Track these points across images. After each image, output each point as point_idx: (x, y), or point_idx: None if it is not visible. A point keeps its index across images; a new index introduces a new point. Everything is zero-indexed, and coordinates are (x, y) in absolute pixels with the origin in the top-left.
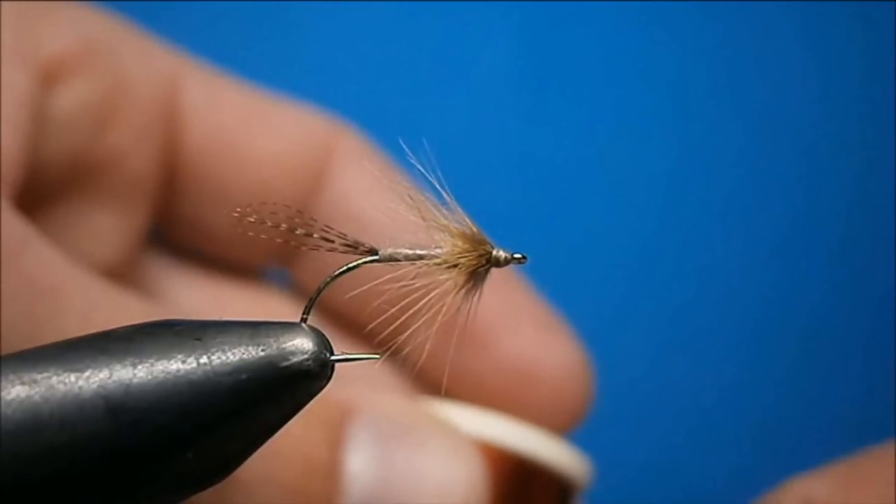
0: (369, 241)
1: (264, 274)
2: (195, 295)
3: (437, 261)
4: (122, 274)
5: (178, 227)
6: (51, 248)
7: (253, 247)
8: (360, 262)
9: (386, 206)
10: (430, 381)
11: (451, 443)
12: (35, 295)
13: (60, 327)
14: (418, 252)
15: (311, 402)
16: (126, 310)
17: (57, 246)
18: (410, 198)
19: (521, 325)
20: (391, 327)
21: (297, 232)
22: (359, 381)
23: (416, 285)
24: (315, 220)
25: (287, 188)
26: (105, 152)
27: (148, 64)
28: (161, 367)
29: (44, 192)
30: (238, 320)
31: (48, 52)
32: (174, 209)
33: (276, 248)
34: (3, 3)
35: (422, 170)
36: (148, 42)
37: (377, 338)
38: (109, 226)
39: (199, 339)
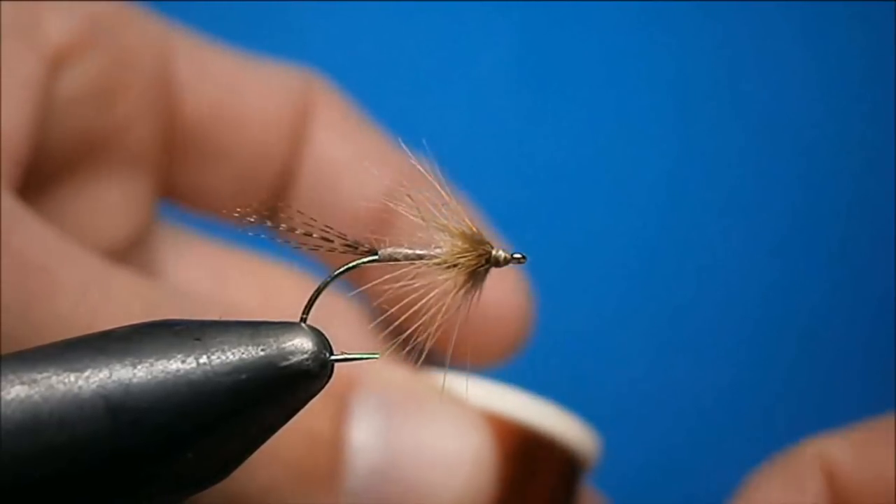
0: (369, 241)
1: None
2: (204, 271)
3: (437, 261)
4: (134, 249)
5: (182, 197)
6: (44, 226)
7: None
8: (359, 262)
9: (359, 152)
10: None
11: (458, 414)
12: (27, 274)
13: (52, 306)
14: (418, 252)
15: (311, 402)
16: (121, 286)
17: (58, 225)
18: (410, 197)
19: None
20: (391, 327)
21: (297, 231)
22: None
23: (416, 285)
24: (315, 220)
25: (275, 144)
26: (111, 129)
27: (145, 38)
28: (161, 367)
29: (52, 173)
30: (238, 320)
31: (55, 37)
32: (177, 179)
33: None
34: None
35: (422, 170)
36: (143, 17)
37: (378, 337)
38: (118, 201)
39: (198, 339)
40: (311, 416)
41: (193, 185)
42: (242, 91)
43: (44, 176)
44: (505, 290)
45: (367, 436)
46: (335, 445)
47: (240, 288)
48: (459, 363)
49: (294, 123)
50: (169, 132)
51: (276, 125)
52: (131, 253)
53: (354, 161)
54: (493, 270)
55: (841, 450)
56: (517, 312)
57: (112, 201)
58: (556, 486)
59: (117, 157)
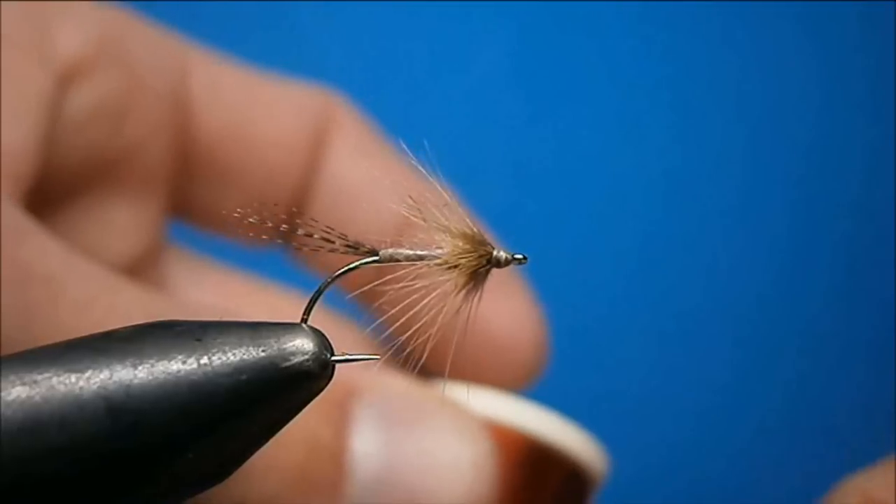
0: (370, 242)
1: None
2: (212, 295)
3: (438, 261)
4: (145, 267)
5: (193, 216)
6: (49, 237)
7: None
8: (360, 262)
9: (380, 170)
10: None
11: (459, 422)
12: (30, 284)
13: (55, 317)
14: (419, 253)
15: (312, 407)
16: (127, 299)
17: (67, 240)
18: (411, 198)
19: None
20: (392, 328)
21: (299, 233)
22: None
23: (417, 286)
24: (316, 221)
25: (292, 165)
26: (121, 148)
27: (158, 55)
28: (161, 368)
29: (61, 192)
30: (239, 321)
31: (65, 54)
32: (188, 197)
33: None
34: (19, 2)
35: (422, 170)
36: (156, 32)
37: (378, 338)
38: (128, 219)
39: (199, 340)
40: (312, 425)
41: (206, 204)
42: (258, 110)
43: (51, 194)
44: (520, 323)
45: (368, 444)
46: (336, 454)
47: (249, 311)
48: (463, 373)
49: (310, 144)
50: (181, 151)
51: (291, 145)
52: (139, 274)
53: (371, 184)
54: (506, 302)
55: (883, 488)
56: (532, 345)
57: (121, 221)
58: (561, 498)
59: (127, 176)
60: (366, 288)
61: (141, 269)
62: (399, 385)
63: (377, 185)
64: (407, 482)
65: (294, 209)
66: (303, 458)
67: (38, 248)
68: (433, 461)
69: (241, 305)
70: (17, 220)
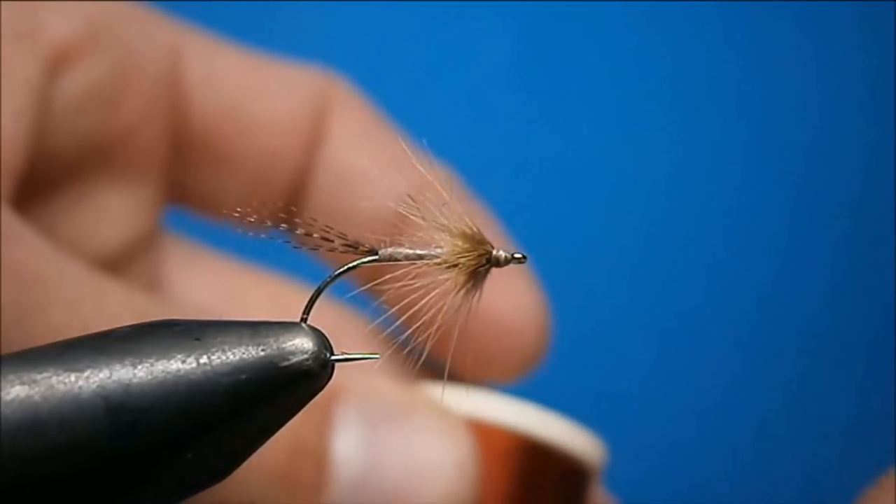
0: (369, 242)
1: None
2: (210, 284)
3: (437, 261)
4: (139, 253)
5: (190, 202)
6: (39, 239)
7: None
8: (359, 262)
9: (378, 157)
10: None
11: (441, 424)
12: (20, 285)
13: (45, 318)
14: (418, 252)
15: (311, 401)
16: (114, 301)
17: (60, 230)
18: (410, 197)
19: None
20: (392, 327)
21: (298, 232)
22: (347, 364)
23: (416, 285)
24: (315, 220)
25: (290, 149)
26: (114, 133)
27: (151, 39)
28: (161, 367)
29: (54, 178)
30: (238, 320)
31: (54, 39)
32: (185, 182)
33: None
34: None
35: (422, 170)
36: (148, 15)
37: (378, 337)
38: (122, 205)
39: (198, 339)
40: (295, 427)
41: (204, 190)
42: (256, 93)
43: (45, 181)
44: (522, 308)
45: (350, 446)
46: (319, 456)
47: (246, 301)
48: (462, 372)
49: (310, 127)
50: (177, 136)
51: (290, 128)
52: (136, 262)
53: (371, 167)
54: (510, 287)
55: None
56: (534, 330)
57: (114, 207)
58: (560, 495)
59: (121, 162)
60: (365, 287)
61: (135, 255)
62: (382, 387)
63: (376, 169)
64: (389, 483)
65: (293, 208)
66: (286, 460)
67: (28, 249)
68: (415, 462)
69: (238, 294)
70: (8, 221)
